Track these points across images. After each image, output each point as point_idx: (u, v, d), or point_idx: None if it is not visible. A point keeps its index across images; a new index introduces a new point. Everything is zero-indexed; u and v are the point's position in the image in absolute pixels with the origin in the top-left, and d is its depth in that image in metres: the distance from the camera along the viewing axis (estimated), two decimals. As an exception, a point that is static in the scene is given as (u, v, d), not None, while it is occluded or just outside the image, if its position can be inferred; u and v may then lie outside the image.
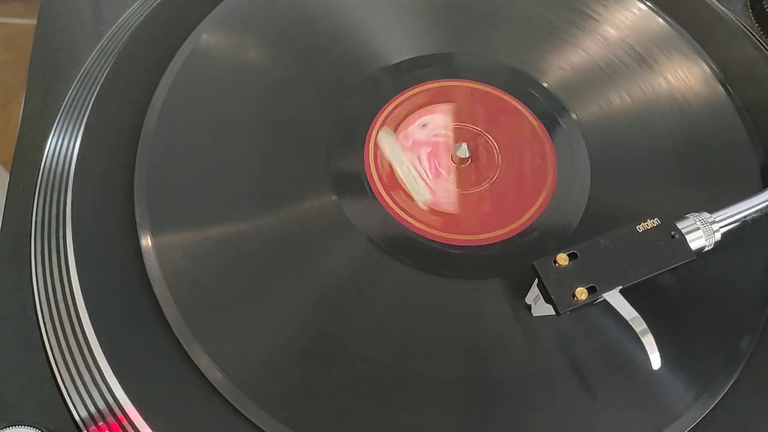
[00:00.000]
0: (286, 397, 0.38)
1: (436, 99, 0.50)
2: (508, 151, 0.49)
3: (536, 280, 0.40)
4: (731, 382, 0.41)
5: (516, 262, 0.44)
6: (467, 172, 0.48)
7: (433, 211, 0.45)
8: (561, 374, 0.40)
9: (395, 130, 0.47)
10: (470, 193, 0.47)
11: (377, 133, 0.45)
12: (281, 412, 0.38)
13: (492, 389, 0.40)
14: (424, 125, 0.47)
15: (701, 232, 0.41)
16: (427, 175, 0.46)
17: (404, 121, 0.49)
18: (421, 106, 0.49)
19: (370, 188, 0.46)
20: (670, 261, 0.40)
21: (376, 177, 0.46)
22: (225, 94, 0.47)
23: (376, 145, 0.47)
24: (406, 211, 0.45)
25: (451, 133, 0.49)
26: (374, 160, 0.47)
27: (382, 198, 0.46)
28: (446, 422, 0.38)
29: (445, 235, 0.45)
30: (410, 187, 0.45)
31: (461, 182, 0.47)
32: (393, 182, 0.46)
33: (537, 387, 0.40)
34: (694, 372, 0.41)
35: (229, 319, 0.40)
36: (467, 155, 0.47)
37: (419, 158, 0.47)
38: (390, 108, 0.49)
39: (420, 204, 0.45)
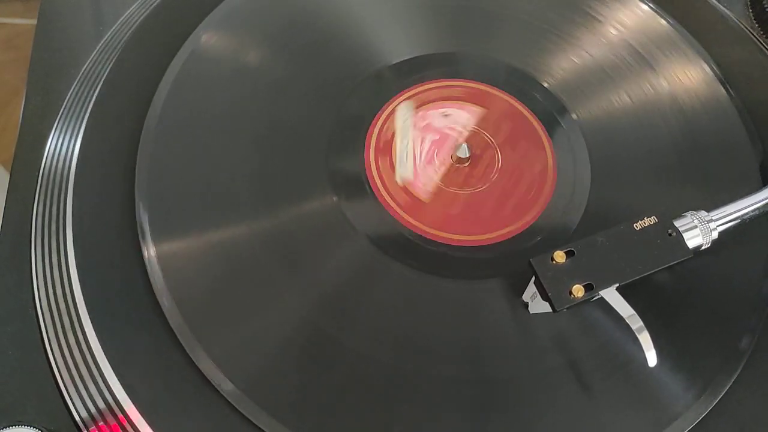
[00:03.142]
0: (286, 398, 0.38)
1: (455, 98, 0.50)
2: (509, 152, 0.49)
3: (533, 278, 0.40)
4: (731, 382, 0.41)
5: (516, 262, 0.44)
6: (465, 171, 0.48)
7: (405, 190, 0.46)
8: (561, 374, 0.40)
9: (418, 107, 0.48)
10: (468, 193, 0.47)
11: (398, 107, 0.46)
12: (282, 413, 0.38)
13: (492, 389, 0.40)
14: (446, 115, 0.47)
15: (698, 231, 0.41)
16: (420, 157, 0.47)
17: (431, 104, 0.49)
18: (456, 99, 0.50)
19: (371, 189, 0.46)
20: (667, 259, 0.40)
21: (376, 177, 0.46)
22: (225, 94, 0.48)
23: (379, 146, 0.47)
24: (406, 212, 0.45)
25: (465, 133, 0.49)
26: (375, 160, 0.47)
27: (383, 198, 0.46)
28: (446, 422, 0.38)
29: (446, 235, 0.45)
30: (398, 160, 0.46)
31: (456, 181, 0.47)
32: (393, 181, 0.46)
33: (537, 386, 0.40)
34: (694, 372, 0.41)
35: (230, 319, 0.40)
36: (467, 155, 0.47)
37: (423, 140, 0.48)
38: (389, 108, 0.49)
39: (397, 178, 0.46)
